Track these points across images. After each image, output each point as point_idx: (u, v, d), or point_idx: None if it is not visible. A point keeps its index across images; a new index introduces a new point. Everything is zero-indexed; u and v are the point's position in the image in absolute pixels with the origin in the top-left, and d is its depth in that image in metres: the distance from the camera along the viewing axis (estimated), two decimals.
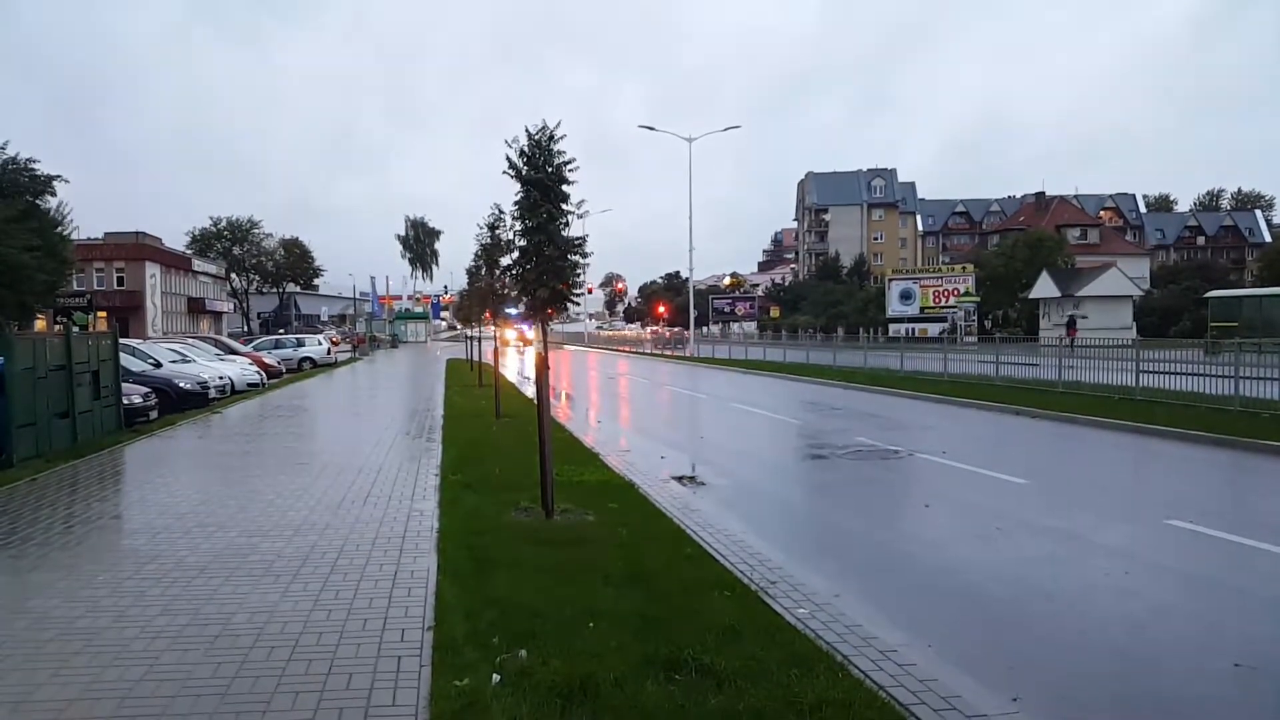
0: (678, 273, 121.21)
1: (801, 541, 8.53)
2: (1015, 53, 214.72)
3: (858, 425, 17.13)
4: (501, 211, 8.05)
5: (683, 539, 7.72)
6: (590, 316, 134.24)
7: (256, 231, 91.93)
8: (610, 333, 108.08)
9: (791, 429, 17.40)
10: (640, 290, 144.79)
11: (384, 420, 18.39)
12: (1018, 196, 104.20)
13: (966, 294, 61.65)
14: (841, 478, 12.12)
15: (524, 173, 7.66)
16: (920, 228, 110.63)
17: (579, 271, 8.21)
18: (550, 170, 7.67)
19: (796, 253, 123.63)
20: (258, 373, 29.13)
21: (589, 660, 4.76)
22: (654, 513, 8.82)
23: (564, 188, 7.73)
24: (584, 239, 8.01)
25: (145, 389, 18.75)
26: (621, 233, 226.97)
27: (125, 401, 17.10)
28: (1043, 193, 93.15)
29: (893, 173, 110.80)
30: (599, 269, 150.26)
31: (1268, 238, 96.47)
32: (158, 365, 23.12)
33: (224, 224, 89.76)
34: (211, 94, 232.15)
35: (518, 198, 7.77)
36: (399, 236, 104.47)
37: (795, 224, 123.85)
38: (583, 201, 7.84)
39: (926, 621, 6.12)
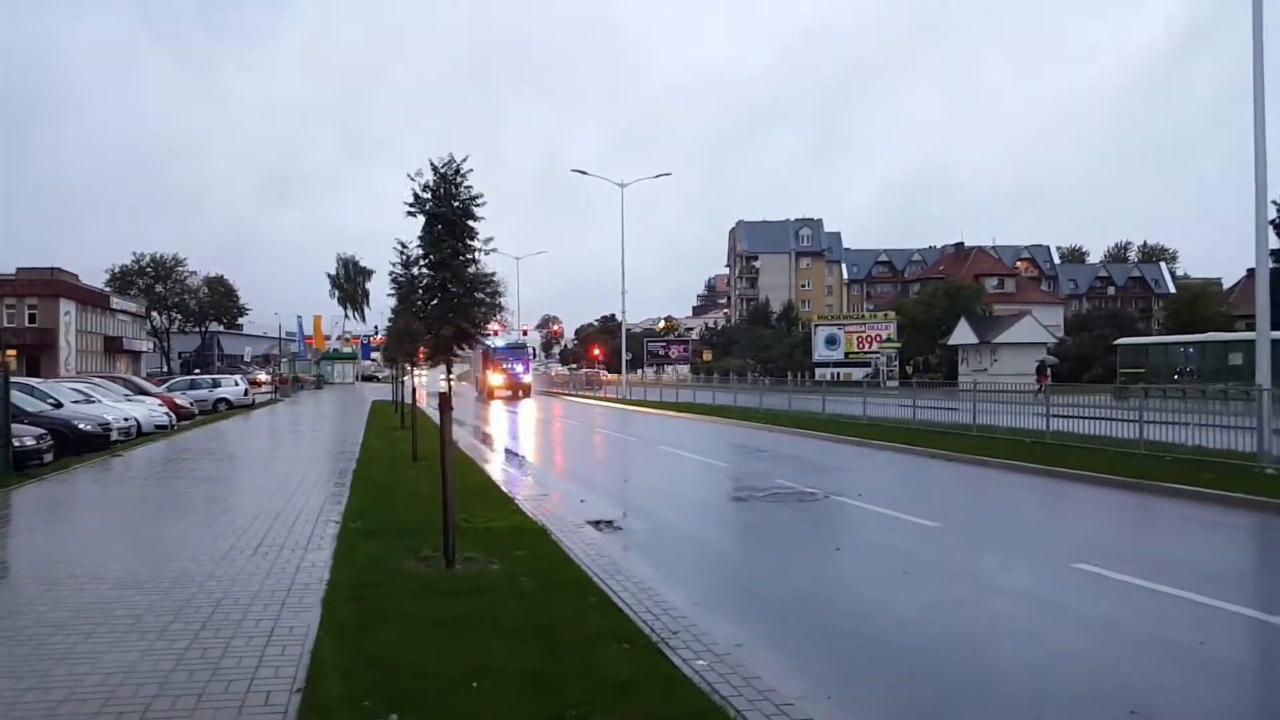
0: (613, 315, 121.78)
1: (711, 587, 8.32)
2: (952, 107, 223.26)
3: (778, 468, 17.09)
4: (405, 246, 7.70)
5: (588, 588, 7.44)
6: None
7: (180, 269, 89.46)
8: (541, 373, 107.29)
9: (714, 472, 17.27)
10: (577, 332, 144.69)
11: (292, 464, 17.71)
12: (938, 247, 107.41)
13: (888, 340, 63.05)
14: (758, 521, 11.98)
15: (428, 206, 7.43)
16: (846, 276, 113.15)
17: (498, 308, 7.98)
18: (456, 205, 7.46)
19: (729, 298, 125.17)
20: (167, 414, 28.00)
21: None
22: (563, 560, 8.52)
23: (471, 223, 7.52)
24: (492, 276, 7.78)
25: (40, 430, 17.77)
26: (563, 274, 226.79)
27: (16, 443, 16.13)
28: (962, 243, 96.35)
29: (819, 222, 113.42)
30: (536, 311, 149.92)
31: (1172, 289, 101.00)
32: (58, 405, 22.01)
33: (146, 260, 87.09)
34: (143, 120, 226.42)
35: (421, 232, 7.52)
36: (329, 275, 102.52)
37: (728, 270, 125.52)
38: (490, 239, 7.63)
39: (829, 670, 5.96)
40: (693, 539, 10.97)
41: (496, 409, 42.61)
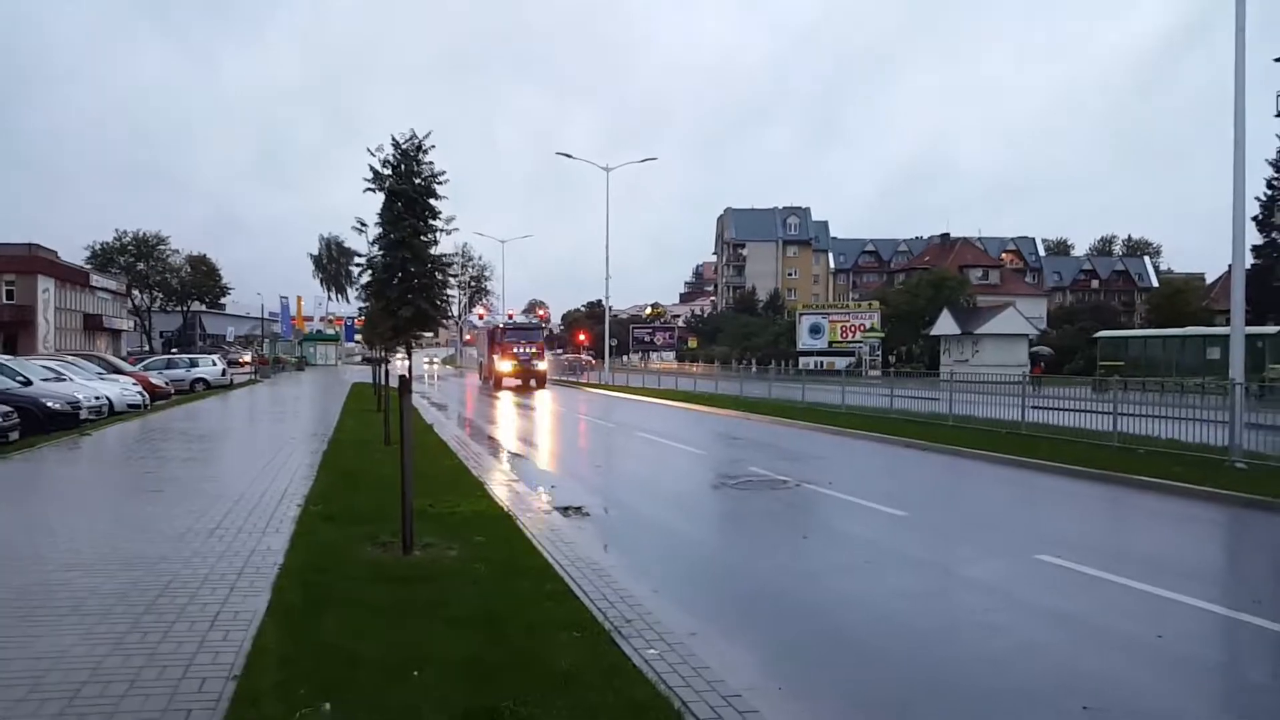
0: (600, 301, 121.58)
1: (673, 575, 8.21)
2: (946, 99, 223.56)
3: (753, 455, 17.02)
4: (364, 224, 7.51)
5: (546, 575, 7.32)
6: None
7: (163, 247, 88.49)
8: None
9: (690, 458, 17.18)
10: (564, 318, 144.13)
11: (261, 446, 17.49)
12: (924, 237, 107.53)
13: (872, 329, 63.13)
14: (728, 508, 11.91)
15: (388, 183, 7.26)
16: (832, 265, 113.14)
17: (485, 293, 7.83)
18: (418, 182, 7.29)
19: (716, 285, 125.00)
20: (140, 393, 27.60)
21: (400, 714, 4.33)
22: (524, 547, 8.39)
23: (432, 201, 7.36)
24: (454, 256, 7.65)
25: (6, 408, 17.47)
26: (552, 259, 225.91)
27: None
28: (947, 234, 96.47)
29: (807, 211, 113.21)
30: (523, 296, 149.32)
31: (1155, 283, 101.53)
32: (27, 383, 21.64)
33: (129, 238, 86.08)
34: (130, 96, 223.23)
35: (380, 210, 7.35)
36: (312, 256, 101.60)
37: (715, 258, 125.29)
38: (453, 218, 7.46)
39: (783, 661, 5.87)
40: (660, 526, 10.87)
41: (487, 397, 42.33)
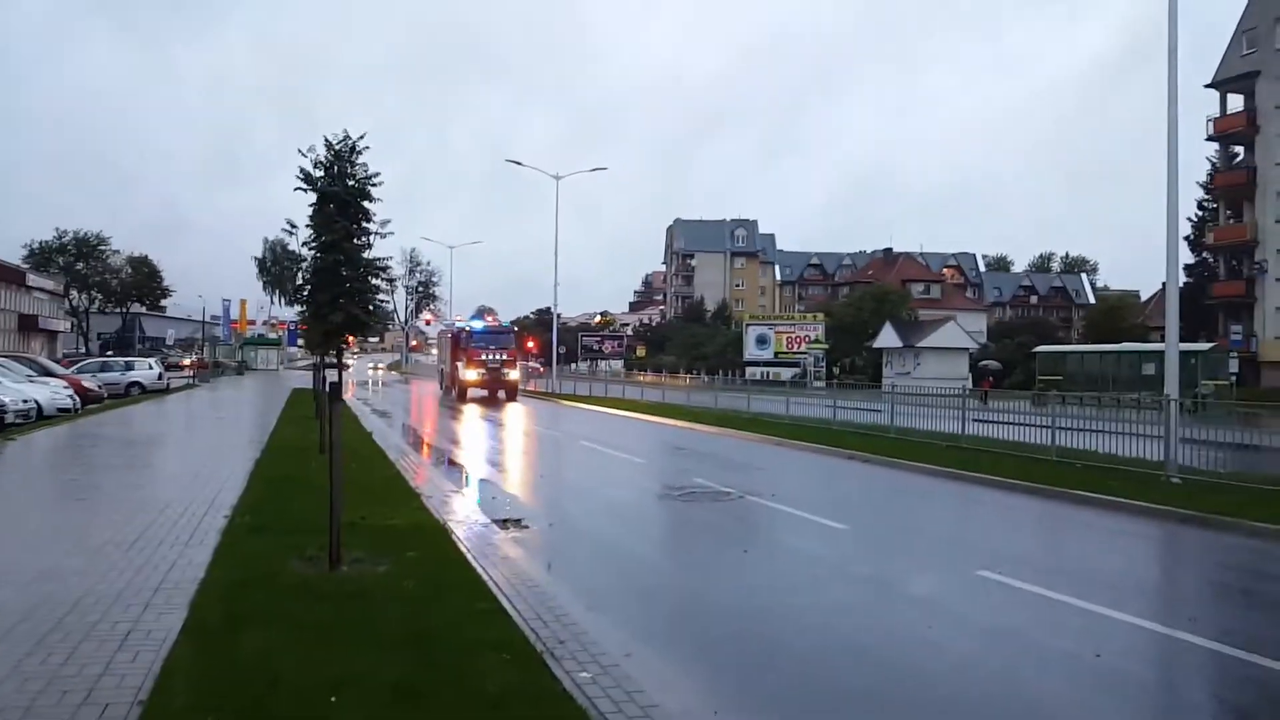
0: (549, 308, 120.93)
1: (611, 591, 8.04)
2: (894, 117, 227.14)
3: (698, 466, 16.92)
4: (294, 226, 7.20)
5: (479, 592, 7.10)
6: None
7: (103, 248, 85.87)
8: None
9: (633, 469, 17.02)
10: (512, 325, 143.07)
11: (193, 453, 16.94)
12: (869, 251, 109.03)
13: (816, 341, 63.76)
14: (670, 521, 11.78)
15: (319, 184, 6.98)
16: (779, 277, 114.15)
17: (383, 295, 7.54)
18: (351, 184, 7.04)
19: (665, 295, 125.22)
20: (71, 397, 26.61)
21: None
22: (458, 561, 8.15)
23: (366, 203, 7.11)
24: (388, 260, 7.36)
25: None
26: (504, 266, 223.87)
27: None
28: (890, 249, 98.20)
29: (754, 223, 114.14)
30: (473, 301, 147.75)
31: (1092, 299, 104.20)
32: None
33: (69, 238, 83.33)
34: (75, 91, 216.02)
35: (311, 212, 7.07)
36: (256, 258, 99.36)
37: (664, 267, 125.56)
38: (388, 221, 7.19)
39: (720, 682, 5.73)
40: (600, 539, 10.69)
41: (443, 407, 41.64)
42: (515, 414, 32.10)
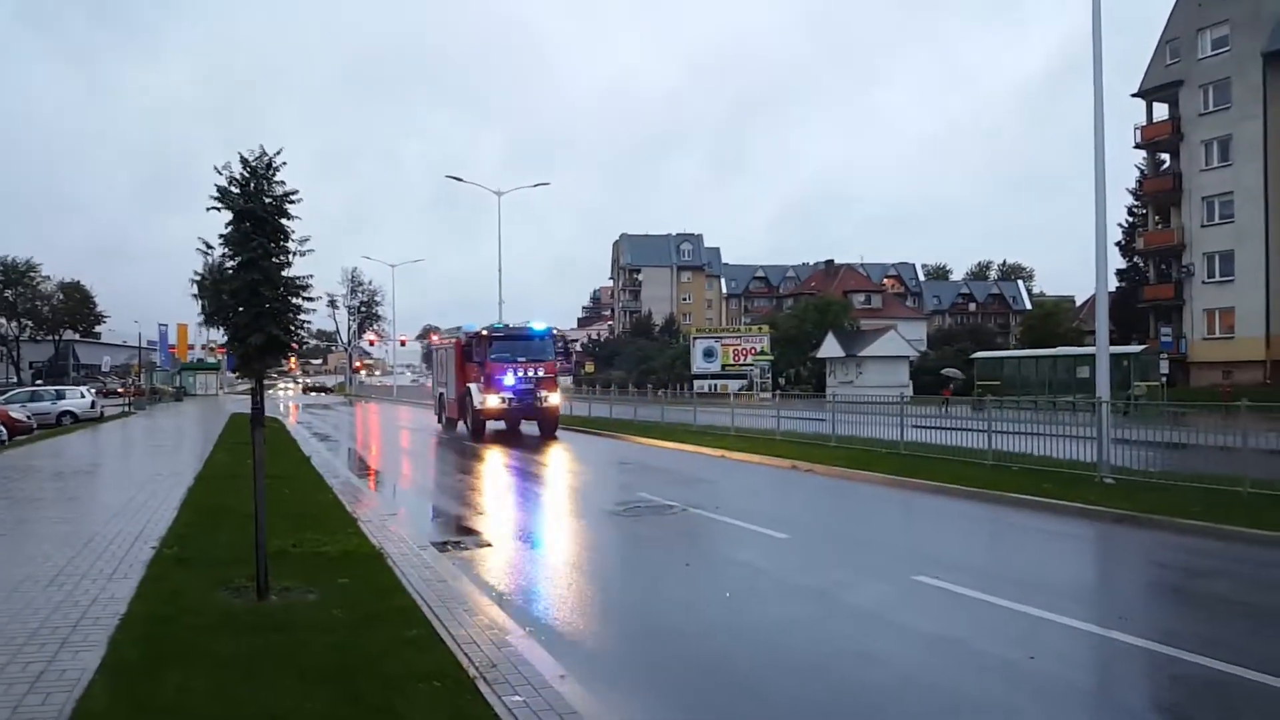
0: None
1: (549, 611, 7.91)
2: (838, 131, 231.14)
3: (642, 480, 16.87)
4: (209, 246, 7.01)
5: (412, 618, 6.92)
6: (407, 368, 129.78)
7: (33, 275, 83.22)
8: (386, 383, 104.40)
9: (580, 484, 16.91)
10: (426, 349, 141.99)
11: (122, 483, 16.39)
12: (811, 264, 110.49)
13: (762, 353, 64.30)
14: (612, 537, 11.67)
15: (236, 202, 6.80)
16: (725, 290, 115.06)
17: (306, 317, 7.34)
18: (268, 201, 6.87)
19: (613, 310, 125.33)
20: None
21: None
22: (391, 587, 7.96)
23: (284, 221, 6.94)
24: (309, 279, 7.17)
25: None
26: (451, 284, 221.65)
27: None
28: (832, 261, 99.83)
29: (699, 238, 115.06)
30: (418, 321, 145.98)
31: (1028, 305, 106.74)
32: None
33: None
34: (7, 110, 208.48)
35: (227, 230, 6.88)
36: (193, 279, 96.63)
37: (611, 282, 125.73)
38: (307, 238, 6.98)
39: (656, 703, 5.65)
40: (541, 559, 10.55)
41: (371, 422, 40.84)
42: (460, 433, 31.68)
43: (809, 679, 6.16)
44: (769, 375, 62.36)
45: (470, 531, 11.75)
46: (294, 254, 6.97)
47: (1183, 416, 18.72)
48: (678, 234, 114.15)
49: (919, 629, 7.31)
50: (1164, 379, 41.62)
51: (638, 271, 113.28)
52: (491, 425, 27.90)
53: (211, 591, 7.51)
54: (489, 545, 10.82)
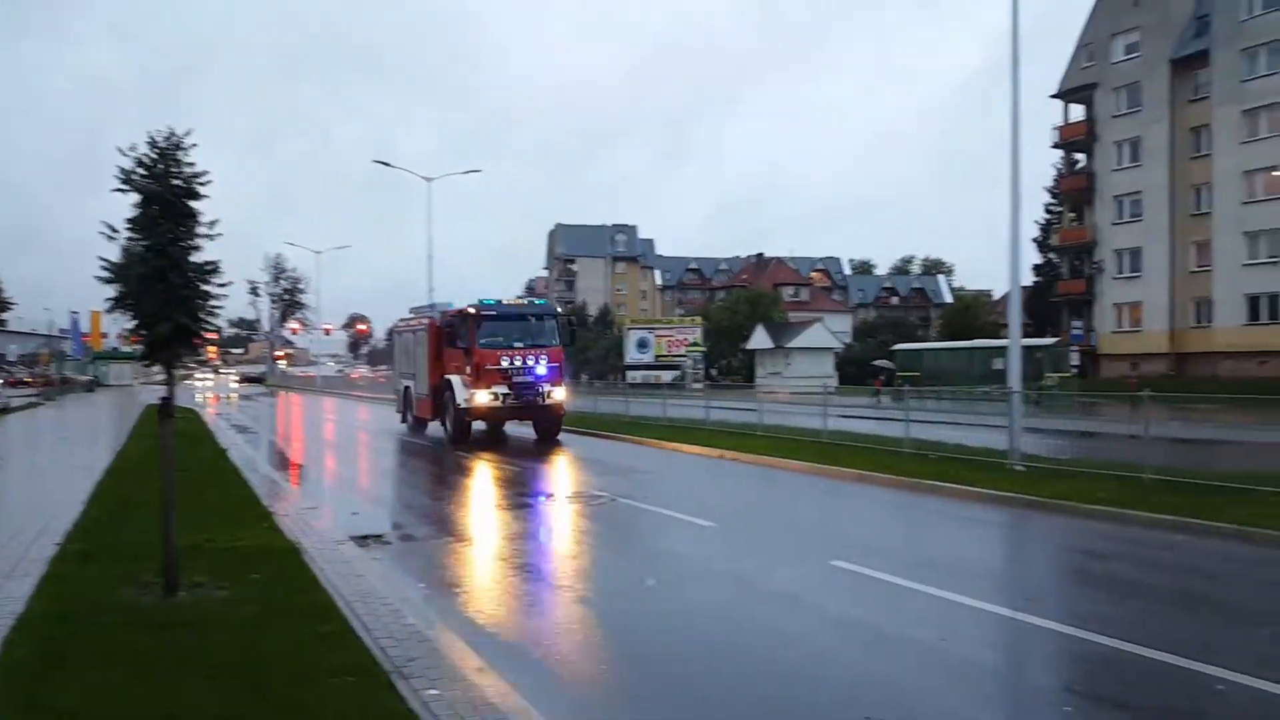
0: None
1: (473, 603, 7.85)
2: (773, 126, 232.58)
3: (574, 471, 16.85)
4: (114, 230, 6.75)
5: (327, 613, 6.78)
6: (332, 359, 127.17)
7: None
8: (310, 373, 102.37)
9: (509, 476, 16.77)
10: (389, 333, 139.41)
11: (28, 476, 15.75)
12: (743, 256, 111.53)
13: (695, 344, 64.83)
14: (539, 528, 11.63)
15: (142, 184, 6.56)
16: (659, 281, 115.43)
17: (216, 303, 7.13)
18: (176, 183, 6.64)
19: (548, 300, 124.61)
20: None
21: None
22: (306, 582, 7.79)
23: (193, 203, 6.72)
24: (220, 264, 6.96)
25: None
26: (382, 272, 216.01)
27: None
28: (762, 254, 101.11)
29: (634, 228, 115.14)
30: (345, 309, 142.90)
31: (948, 299, 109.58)
32: None
33: None
34: None
35: (134, 214, 6.64)
36: (104, 264, 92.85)
37: (546, 272, 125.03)
38: (216, 221, 6.77)
39: (576, 692, 5.67)
40: (465, 551, 10.44)
41: (293, 413, 39.87)
42: (390, 425, 31.13)
43: (722, 660, 6.24)
44: (701, 366, 62.95)
45: (393, 525, 11.59)
46: (204, 238, 6.76)
47: (1091, 407, 19.55)
48: (613, 225, 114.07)
49: (835, 612, 7.47)
50: (1075, 370, 43.20)
51: (572, 261, 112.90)
52: (477, 426, 22.55)
53: (117, 588, 7.26)
54: (411, 539, 10.69)
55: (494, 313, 22.44)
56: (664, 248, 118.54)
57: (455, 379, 22.34)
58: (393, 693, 5.12)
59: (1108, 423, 16.07)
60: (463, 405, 21.75)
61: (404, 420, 27.27)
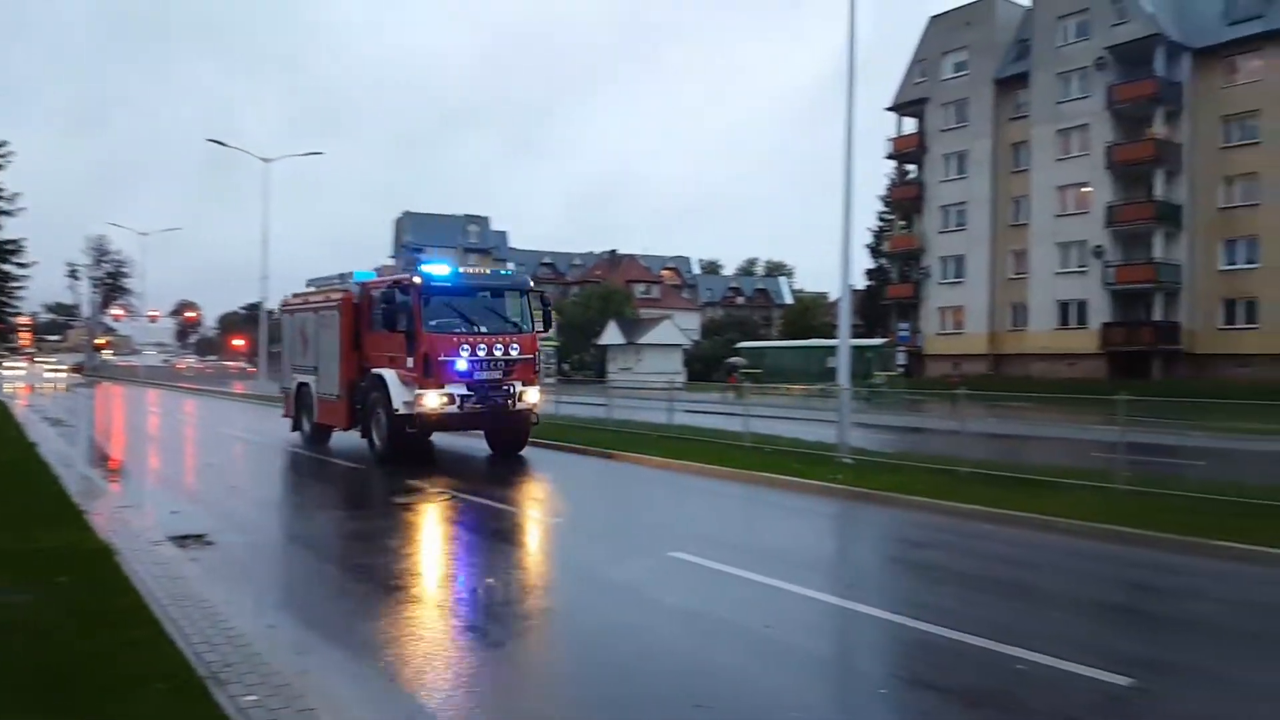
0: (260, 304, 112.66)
1: (300, 606, 7.58)
2: (638, 120, 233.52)
3: (422, 468, 16.45)
4: None
5: (140, 618, 6.39)
6: (157, 347, 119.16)
7: None
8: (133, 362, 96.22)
9: (349, 474, 16.20)
10: (220, 320, 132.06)
11: None
12: (596, 252, 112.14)
13: (548, 339, 64.71)
14: (375, 527, 11.32)
15: None
16: None
17: (17, 284, 6.53)
18: None
19: None
20: None
21: None
22: (118, 585, 7.31)
23: None
24: (18, 242, 6.39)
25: None
26: (215, 257, 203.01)
27: None
28: (615, 250, 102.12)
29: (486, 220, 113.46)
30: (173, 296, 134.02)
31: (789, 300, 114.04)
32: None
33: None
34: None
35: None
36: None
37: (393, 262, 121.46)
38: (17, 195, 6.18)
39: (399, 692, 5.56)
40: (295, 553, 10.08)
41: (116, 404, 37.08)
42: (220, 417, 29.38)
43: (560, 653, 6.31)
44: (554, 360, 62.92)
45: (216, 525, 10.99)
46: (2, 214, 6.19)
47: (916, 404, 20.81)
48: (465, 215, 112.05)
49: (669, 602, 7.65)
50: (902, 370, 45.82)
51: (421, 251, 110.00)
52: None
53: None
54: (235, 540, 10.18)
55: (447, 284, 16.68)
56: (517, 241, 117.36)
57: (389, 375, 16.41)
58: (208, 700, 4.89)
59: (930, 419, 17.16)
60: (402, 411, 15.96)
61: (296, 428, 20.80)
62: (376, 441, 16.96)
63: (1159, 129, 44.63)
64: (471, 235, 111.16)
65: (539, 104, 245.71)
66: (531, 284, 18.47)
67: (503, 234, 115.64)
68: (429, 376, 16.02)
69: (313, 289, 21.88)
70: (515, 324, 17.37)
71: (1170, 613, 7.77)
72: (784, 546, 10.26)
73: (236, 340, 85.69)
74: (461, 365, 16.24)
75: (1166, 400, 17.61)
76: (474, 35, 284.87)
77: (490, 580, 8.45)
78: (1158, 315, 44.65)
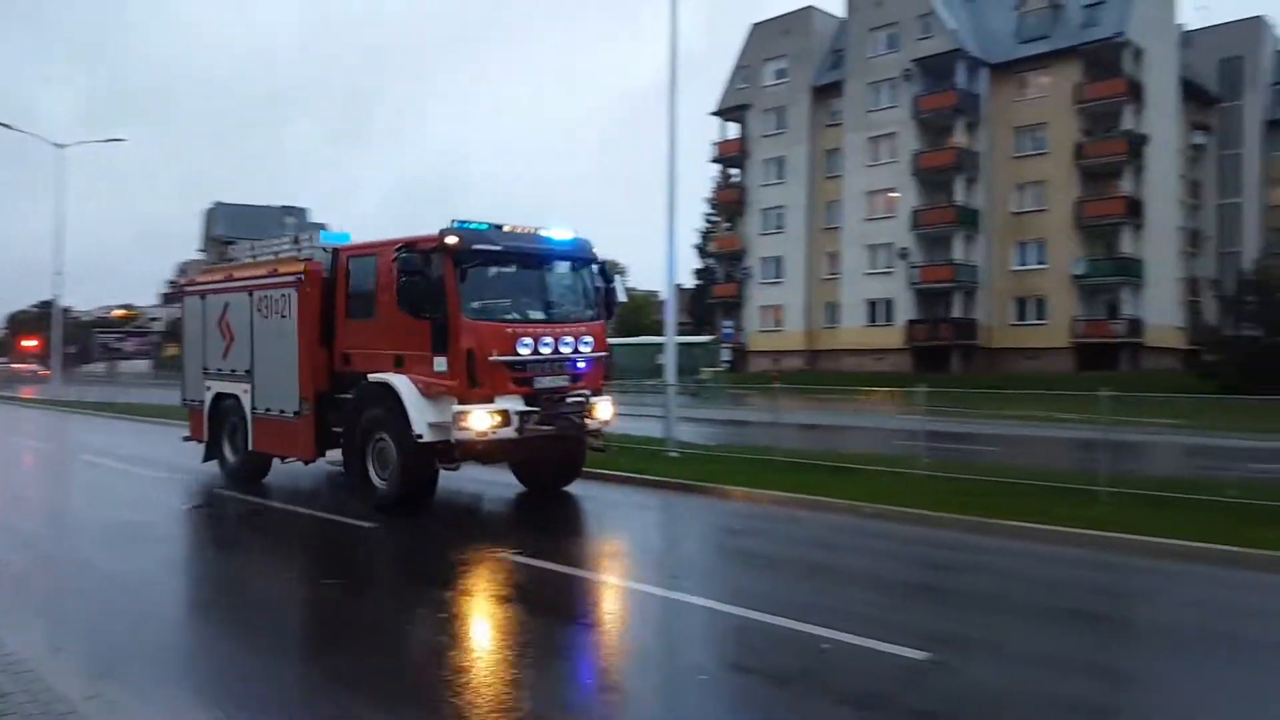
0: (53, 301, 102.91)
1: (91, 626, 7.00)
2: (466, 111, 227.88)
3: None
4: None
5: None
6: None
7: None
8: None
9: (145, 483, 15.05)
10: (11, 320, 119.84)
11: None
12: None
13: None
14: (174, 534, 10.62)
15: None
16: None
17: None
18: None
19: None
20: None
21: None
22: None
23: None
24: None
25: None
26: (6, 250, 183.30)
27: None
28: None
29: (304, 211, 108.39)
30: None
31: (623, 298, 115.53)
32: None
33: None
34: None
35: None
36: None
37: (202, 255, 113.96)
38: None
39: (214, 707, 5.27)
40: (88, 568, 9.26)
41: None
42: (4, 424, 26.63)
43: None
44: None
45: (1, 544, 10.00)
46: None
47: (739, 398, 21.59)
48: (282, 206, 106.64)
49: (494, 598, 7.59)
50: (727, 366, 47.37)
51: (232, 243, 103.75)
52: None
53: None
54: (16, 558, 9.29)
55: (496, 247, 11.44)
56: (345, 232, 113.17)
57: (401, 382, 11.09)
58: None
59: (752, 412, 17.84)
60: (426, 437, 10.83)
61: (212, 456, 14.92)
62: (375, 480, 11.41)
63: (960, 138, 48.25)
64: (288, 227, 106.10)
65: (363, 92, 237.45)
66: (594, 252, 12.99)
67: (321, 225, 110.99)
68: (475, 385, 10.80)
69: (245, 258, 15.06)
70: (586, 309, 12.44)
71: (963, 589, 8.38)
72: (608, 540, 10.40)
73: (28, 341, 78.07)
74: (520, 367, 11.17)
75: (963, 391, 19.05)
76: (291, 15, 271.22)
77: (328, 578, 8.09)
78: (957, 312, 48.27)
